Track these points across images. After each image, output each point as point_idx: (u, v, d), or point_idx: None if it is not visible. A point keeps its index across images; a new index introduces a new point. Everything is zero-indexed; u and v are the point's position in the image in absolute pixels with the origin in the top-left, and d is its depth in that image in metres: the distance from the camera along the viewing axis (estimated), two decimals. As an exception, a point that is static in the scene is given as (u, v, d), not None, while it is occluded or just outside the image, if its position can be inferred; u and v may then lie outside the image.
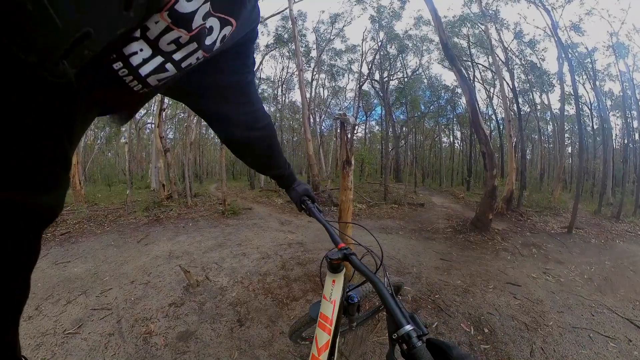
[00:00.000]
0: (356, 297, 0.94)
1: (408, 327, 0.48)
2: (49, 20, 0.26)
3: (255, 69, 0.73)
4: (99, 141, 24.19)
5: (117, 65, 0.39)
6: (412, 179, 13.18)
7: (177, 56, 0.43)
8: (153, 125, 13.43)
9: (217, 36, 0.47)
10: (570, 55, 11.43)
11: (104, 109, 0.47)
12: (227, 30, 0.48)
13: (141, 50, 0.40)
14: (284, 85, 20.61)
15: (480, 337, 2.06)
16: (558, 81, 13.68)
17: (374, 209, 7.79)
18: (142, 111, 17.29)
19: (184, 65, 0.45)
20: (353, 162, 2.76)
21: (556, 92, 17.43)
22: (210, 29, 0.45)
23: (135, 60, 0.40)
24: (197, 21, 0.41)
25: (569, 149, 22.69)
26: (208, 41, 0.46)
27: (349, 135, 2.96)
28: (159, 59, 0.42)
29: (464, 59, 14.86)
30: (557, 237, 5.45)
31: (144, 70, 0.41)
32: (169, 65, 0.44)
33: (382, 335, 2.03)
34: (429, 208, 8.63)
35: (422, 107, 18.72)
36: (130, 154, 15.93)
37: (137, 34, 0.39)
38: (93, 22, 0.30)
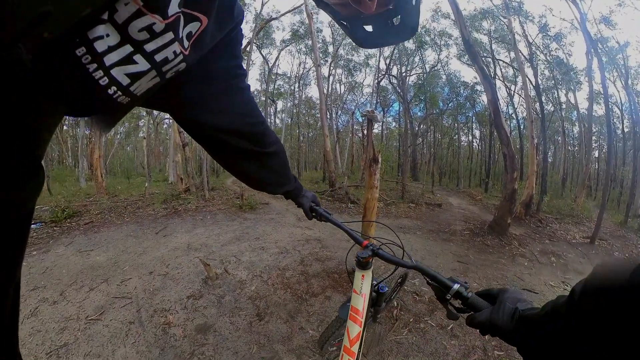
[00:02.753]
0: (385, 287, 0.99)
1: (456, 286, 0.57)
2: None
3: (246, 78, 0.68)
4: (118, 136, 25.07)
5: (80, 50, 0.34)
6: (429, 178, 12.90)
7: (149, 47, 0.38)
8: (171, 120, 13.70)
9: (182, 31, 0.42)
10: (599, 51, 10.86)
11: (70, 106, 0.42)
12: (194, 27, 0.43)
13: (107, 35, 0.35)
14: (300, 81, 20.60)
15: (494, 343, 2.00)
16: (586, 78, 13.05)
17: (391, 208, 7.67)
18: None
19: (158, 58, 0.40)
20: (380, 160, 2.69)
21: (583, 91, 16.60)
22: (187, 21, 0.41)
23: (100, 46, 0.35)
24: (174, 8, 0.37)
25: (596, 153, 21.67)
26: (185, 43, 0.42)
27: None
28: (127, 48, 0.37)
29: (484, 54, 14.40)
30: (579, 247, 5.21)
31: (110, 58, 0.36)
32: (138, 57, 0.38)
33: (400, 335, 2.01)
34: (446, 209, 8.45)
35: (441, 104, 18.32)
36: (148, 148, 16.37)
37: (105, 16, 0.34)
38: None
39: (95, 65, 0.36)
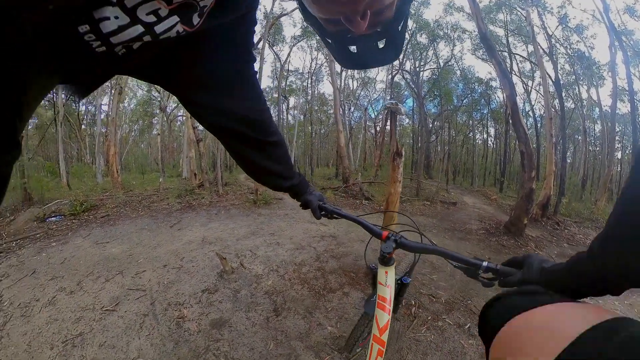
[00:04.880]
0: (408, 278, 1.00)
1: (485, 263, 0.62)
2: None
3: (255, 64, 0.68)
4: (133, 133, 25.64)
5: (84, 28, 0.35)
6: (444, 176, 12.65)
7: (158, 28, 0.40)
8: (184, 118, 13.87)
9: (204, 12, 0.44)
10: (624, 44, 10.31)
11: (65, 76, 0.42)
12: (207, 1, 0.44)
13: (116, 17, 0.36)
14: (312, 77, 20.50)
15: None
16: (609, 73, 12.44)
17: (406, 205, 7.54)
18: (173, 104, 17.88)
19: (162, 37, 0.42)
20: (404, 154, 2.61)
21: (607, 86, 15.86)
22: (203, 7, 0.43)
23: (107, 27, 0.36)
24: None
25: (619, 154, 20.69)
26: (195, 20, 0.44)
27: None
28: (138, 28, 0.38)
29: (500, 48, 13.91)
30: None
31: (119, 38, 0.38)
32: (147, 37, 0.40)
33: (418, 332, 1.97)
34: (461, 207, 8.28)
35: (455, 100, 17.92)
36: (162, 144, 16.64)
37: None
38: None
39: (98, 43, 0.37)
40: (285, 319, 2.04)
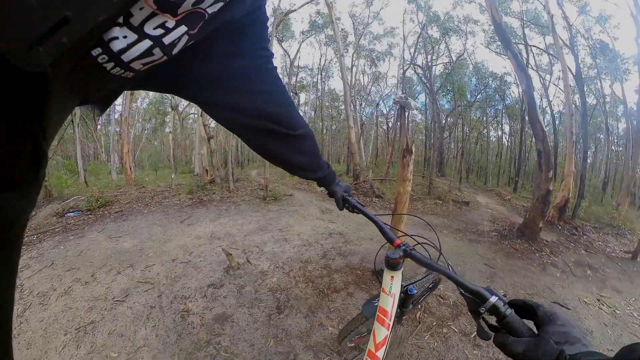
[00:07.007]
0: (415, 289, 0.96)
1: (494, 299, 0.49)
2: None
3: (273, 59, 0.68)
4: (145, 132, 26.27)
5: (96, 51, 0.36)
6: (457, 174, 12.38)
7: (167, 40, 0.41)
8: (196, 115, 14.08)
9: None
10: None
11: (83, 97, 0.45)
12: (215, 7, 0.44)
13: (125, 37, 0.37)
14: (322, 73, 20.40)
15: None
16: (635, 67, 11.78)
17: (417, 204, 7.44)
18: (185, 102, 18.16)
19: (174, 51, 0.44)
20: (414, 151, 2.54)
21: (632, 81, 14.99)
22: (212, 14, 0.44)
23: (117, 46, 0.37)
24: (186, 6, 0.39)
25: (644, 156, 19.55)
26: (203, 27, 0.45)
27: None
28: (146, 43, 0.39)
29: (515, 40, 13.36)
30: (618, 262, 4.63)
31: (129, 55, 0.39)
32: (156, 50, 0.41)
33: (421, 339, 1.93)
34: (473, 207, 8.09)
35: (468, 96, 17.44)
36: (174, 142, 16.98)
37: (120, 20, 0.36)
38: (73, 5, 0.28)
39: (112, 64, 0.38)
40: (287, 317, 2.06)
